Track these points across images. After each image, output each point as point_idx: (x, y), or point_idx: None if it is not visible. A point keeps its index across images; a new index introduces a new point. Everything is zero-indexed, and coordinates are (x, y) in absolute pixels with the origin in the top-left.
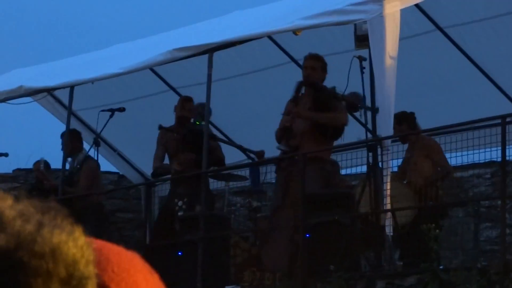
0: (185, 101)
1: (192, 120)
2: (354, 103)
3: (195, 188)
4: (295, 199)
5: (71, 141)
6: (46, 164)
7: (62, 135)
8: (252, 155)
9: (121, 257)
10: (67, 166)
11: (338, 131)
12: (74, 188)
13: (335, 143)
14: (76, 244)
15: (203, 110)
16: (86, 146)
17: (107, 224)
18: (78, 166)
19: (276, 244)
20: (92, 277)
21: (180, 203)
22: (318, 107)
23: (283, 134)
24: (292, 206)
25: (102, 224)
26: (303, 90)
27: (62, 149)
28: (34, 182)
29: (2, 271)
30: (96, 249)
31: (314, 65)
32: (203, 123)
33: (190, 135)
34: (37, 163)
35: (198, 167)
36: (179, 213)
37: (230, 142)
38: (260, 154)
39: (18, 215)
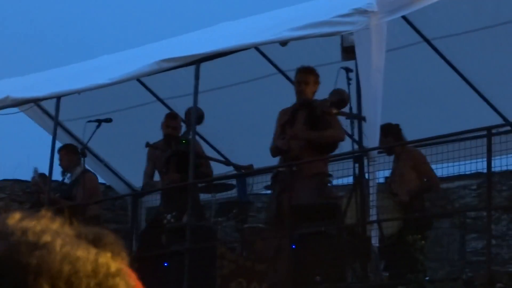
0: (170, 118)
1: (181, 134)
2: (341, 99)
3: (184, 202)
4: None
5: (68, 156)
6: (43, 175)
7: (60, 150)
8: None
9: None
10: (54, 177)
11: (334, 146)
12: (73, 202)
13: None
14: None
15: (192, 116)
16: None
17: None
18: (76, 180)
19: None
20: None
21: (169, 216)
22: (313, 125)
23: (278, 154)
24: (284, 217)
25: None
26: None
27: (59, 164)
28: (32, 195)
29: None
30: None
31: (307, 79)
32: (187, 141)
33: (174, 157)
34: (34, 176)
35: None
36: (167, 226)
37: (217, 159)
38: (249, 168)
39: (54, 235)
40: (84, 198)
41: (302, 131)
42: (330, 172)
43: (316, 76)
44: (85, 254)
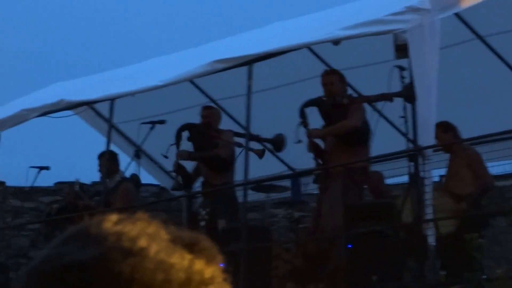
0: (202, 109)
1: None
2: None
3: (220, 198)
4: (336, 209)
5: (108, 163)
6: (82, 186)
7: (100, 157)
8: (268, 145)
9: None
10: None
11: (360, 135)
12: (110, 209)
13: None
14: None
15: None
16: (122, 165)
17: None
18: (114, 187)
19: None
20: None
21: (203, 212)
22: (327, 121)
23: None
24: (334, 216)
25: None
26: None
27: (99, 170)
28: (64, 203)
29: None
30: None
31: (332, 80)
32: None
33: (185, 130)
34: (71, 185)
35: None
36: (201, 223)
37: (236, 133)
38: (259, 152)
39: (149, 238)
40: (116, 207)
41: (314, 130)
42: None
43: (341, 76)
44: (179, 260)
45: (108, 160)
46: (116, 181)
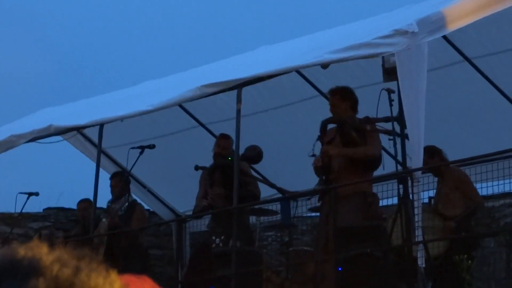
0: (220, 138)
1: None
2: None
3: (231, 225)
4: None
5: (120, 183)
6: (87, 200)
7: (112, 177)
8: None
9: None
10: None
11: (373, 162)
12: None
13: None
14: (112, 287)
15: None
16: None
17: (148, 264)
18: (128, 208)
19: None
20: None
21: (217, 240)
22: (346, 142)
23: (319, 172)
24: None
25: (145, 264)
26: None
27: (111, 191)
28: (78, 220)
29: None
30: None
31: (332, 101)
32: (233, 158)
33: (219, 170)
34: (81, 202)
35: (229, 202)
36: (216, 250)
37: (264, 180)
38: (292, 193)
39: (56, 260)
40: (135, 228)
41: (331, 148)
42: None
43: (342, 93)
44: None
45: (120, 180)
46: (129, 201)
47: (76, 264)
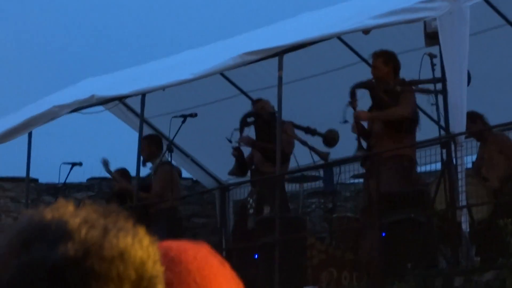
0: (254, 102)
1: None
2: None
3: (266, 187)
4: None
5: (149, 146)
6: (123, 170)
7: (142, 140)
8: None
9: (200, 263)
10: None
11: (406, 124)
12: (149, 194)
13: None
14: (141, 246)
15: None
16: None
17: (180, 229)
18: (155, 172)
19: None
20: (160, 276)
21: (251, 200)
22: (378, 105)
23: (359, 137)
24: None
25: (174, 229)
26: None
27: (141, 154)
28: (114, 190)
29: (75, 280)
30: (163, 248)
31: (374, 63)
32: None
33: (251, 118)
34: (117, 171)
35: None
36: (250, 211)
37: (302, 127)
38: (325, 156)
39: (83, 222)
40: (155, 190)
41: (363, 112)
42: (417, 158)
43: (385, 57)
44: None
45: (150, 144)
46: (156, 165)
47: (103, 224)
